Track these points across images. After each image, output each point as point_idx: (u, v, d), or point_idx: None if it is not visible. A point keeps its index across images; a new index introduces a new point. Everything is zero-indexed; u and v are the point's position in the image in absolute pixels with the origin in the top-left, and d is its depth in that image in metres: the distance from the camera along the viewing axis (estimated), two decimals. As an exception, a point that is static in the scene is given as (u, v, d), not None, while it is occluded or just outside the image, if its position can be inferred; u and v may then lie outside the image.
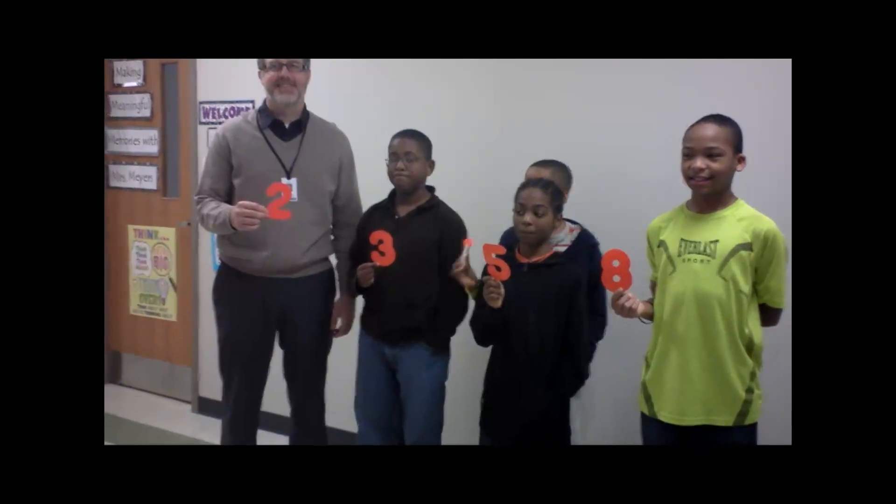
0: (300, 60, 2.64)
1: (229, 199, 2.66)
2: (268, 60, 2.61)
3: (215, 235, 2.87)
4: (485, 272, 2.29)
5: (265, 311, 2.69)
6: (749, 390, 2.05)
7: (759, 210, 2.08)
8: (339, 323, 2.79)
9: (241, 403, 2.77)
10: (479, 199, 2.91)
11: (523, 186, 2.39)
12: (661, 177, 2.58)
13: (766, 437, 2.16)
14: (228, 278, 2.74)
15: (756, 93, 2.56)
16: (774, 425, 2.27)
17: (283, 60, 2.59)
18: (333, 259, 2.83)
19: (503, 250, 2.28)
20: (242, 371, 2.74)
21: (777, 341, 2.20)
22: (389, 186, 2.63)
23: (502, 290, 2.26)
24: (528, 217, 2.33)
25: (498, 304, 2.27)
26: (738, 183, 2.10)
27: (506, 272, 2.24)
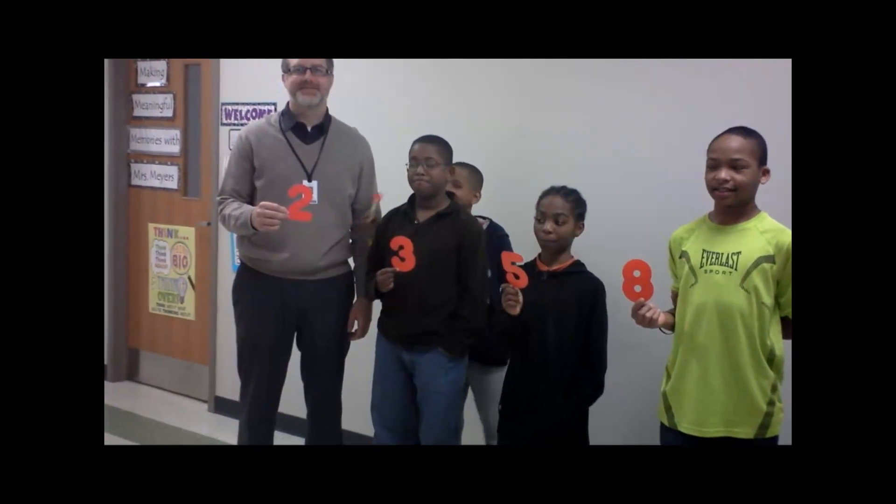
0: (323, 65, 2.65)
1: (251, 200, 2.68)
2: (292, 63, 2.63)
3: (235, 236, 2.88)
4: (503, 279, 2.29)
5: (284, 312, 2.71)
6: (770, 403, 2.03)
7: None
8: (356, 325, 2.80)
9: (258, 404, 2.78)
10: (499, 206, 2.90)
11: (545, 194, 2.39)
12: (682, 182, 2.54)
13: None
14: (248, 278, 2.76)
15: (756, 93, 2.53)
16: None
17: (307, 63, 2.60)
18: (352, 262, 2.84)
19: (521, 258, 2.28)
20: (260, 371, 2.76)
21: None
22: (409, 191, 2.63)
23: (520, 298, 2.26)
24: (549, 225, 2.33)
25: (516, 311, 2.27)
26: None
27: (524, 280, 2.24)
